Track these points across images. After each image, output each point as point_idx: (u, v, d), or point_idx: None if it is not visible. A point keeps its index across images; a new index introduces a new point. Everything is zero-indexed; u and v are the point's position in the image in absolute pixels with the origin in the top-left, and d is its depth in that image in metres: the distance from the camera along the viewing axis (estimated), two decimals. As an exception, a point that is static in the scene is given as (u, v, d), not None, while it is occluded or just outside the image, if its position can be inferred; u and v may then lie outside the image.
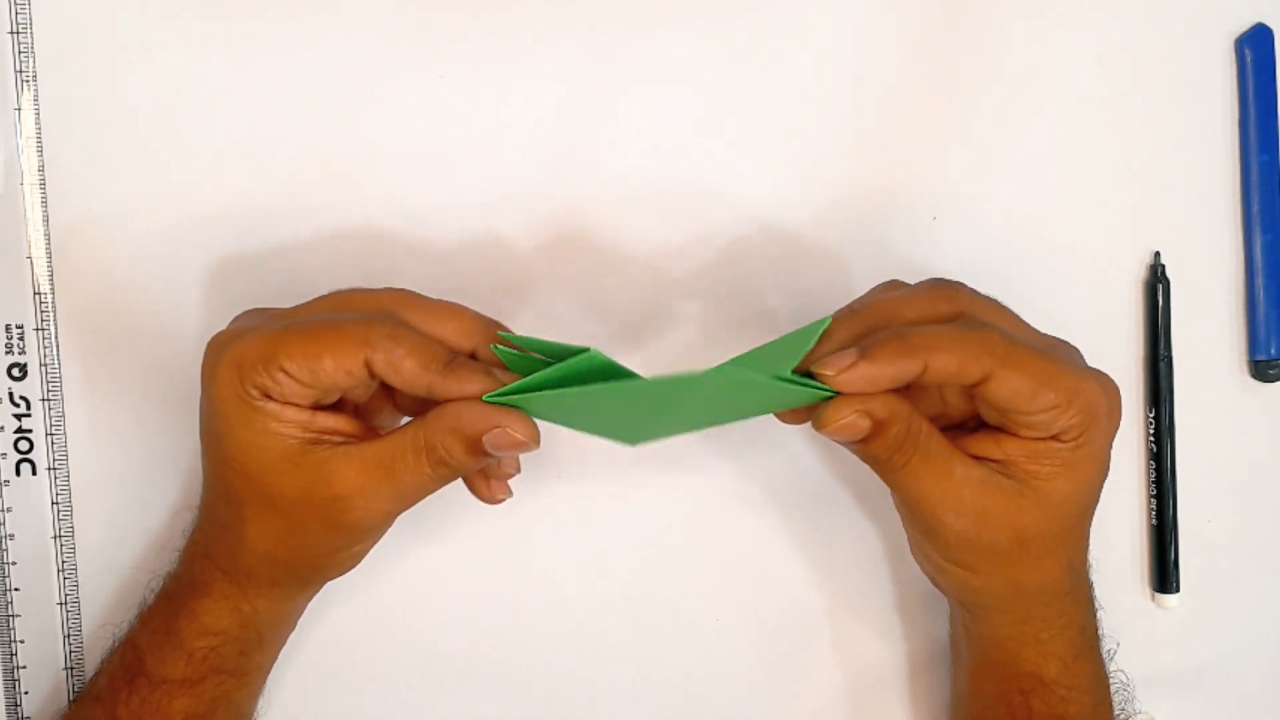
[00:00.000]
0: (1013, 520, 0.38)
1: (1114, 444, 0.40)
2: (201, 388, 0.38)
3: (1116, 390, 0.39)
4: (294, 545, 0.39)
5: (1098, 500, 0.40)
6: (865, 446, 0.37)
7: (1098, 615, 0.43)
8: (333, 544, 0.39)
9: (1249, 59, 0.48)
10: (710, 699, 0.48)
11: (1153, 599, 0.49)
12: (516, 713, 0.47)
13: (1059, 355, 0.38)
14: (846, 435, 0.37)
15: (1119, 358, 0.49)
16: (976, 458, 0.38)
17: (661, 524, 0.47)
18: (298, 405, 0.37)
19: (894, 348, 0.36)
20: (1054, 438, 0.38)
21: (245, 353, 0.36)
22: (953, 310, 0.39)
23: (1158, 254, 0.48)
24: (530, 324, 0.46)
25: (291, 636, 0.44)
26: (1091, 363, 0.48)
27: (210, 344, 0.38)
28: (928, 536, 0.40)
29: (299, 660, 0.46)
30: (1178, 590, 0.49)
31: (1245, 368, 0.49)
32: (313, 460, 0.37)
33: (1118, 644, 0.45)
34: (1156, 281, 0.48)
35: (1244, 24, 0.48)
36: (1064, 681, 0.41)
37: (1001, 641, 0.42)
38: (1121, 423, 0.48)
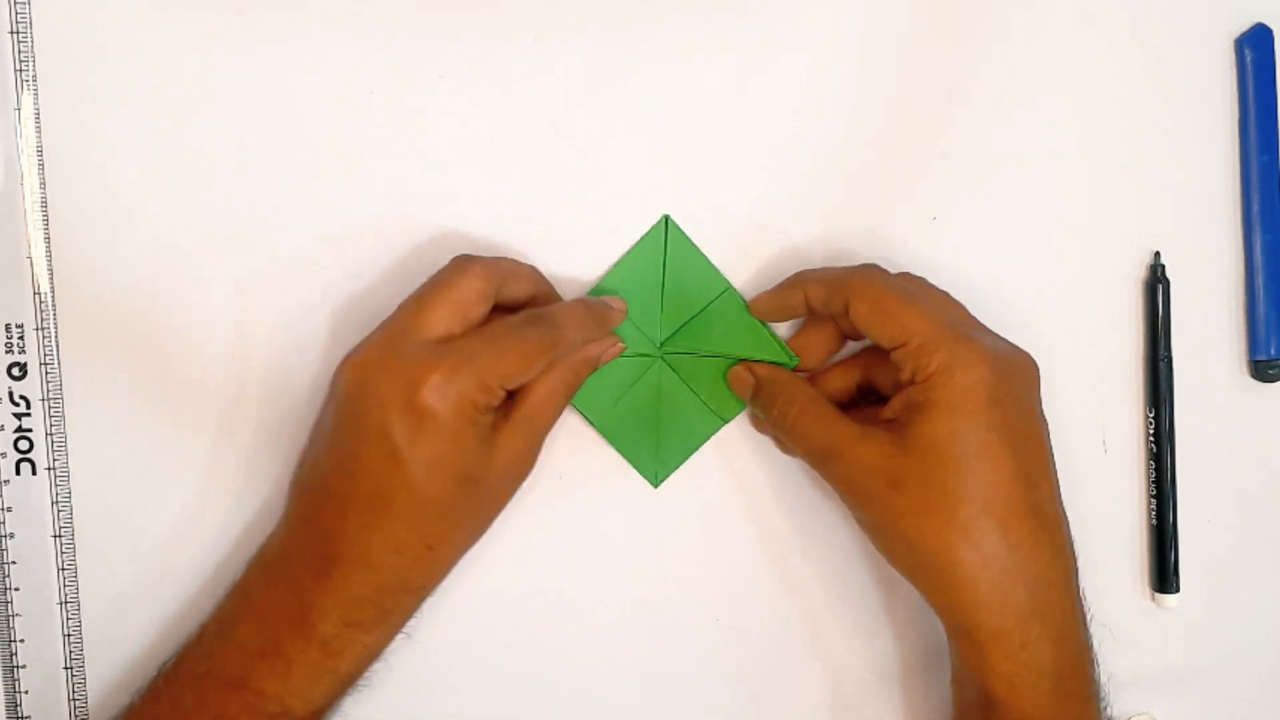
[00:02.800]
0: (885, 466, 0.41)
1: (1028, 423, 0.41)
2: (413, 424, 0.38)
3: (1015, 362, 0.42)
4: (461, 544, 0.42)
5: (997, 471, 0.40)
6: (752, 404, 0.45)
7: (1085, 644, 0.42)
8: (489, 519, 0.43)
9: (1249, 59, 0.48)
10: (711, 699, 0.48)
11: (1153, 599, 0.49)
12: (517, 713, 0.47)
13: (921, 303, 0.41)
14: (739, 387, 0.46)
15: (1119, 358, 0.49)
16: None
17: (662, 525, 0.47)
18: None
19: (786, 281, 0.45)
20: (911, 380, 0.41)
21: (478, 382, 0.39)
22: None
23: (1158, 254, 0.48)
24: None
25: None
26: (1092, 363, 0.48)
27: (415, 382, 0.38)
28: (845, 501, 0.43)
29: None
30: (1178, 590, 0.49)
31: (1245, 368, 0.49)
32: (497, 444, 0.40)
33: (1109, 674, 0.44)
34: (1156, 281, 0.48)
35: (1244, 24, 0.48)
36: None
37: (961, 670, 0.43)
38: (1122, 423, 0.49)
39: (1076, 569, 0.42)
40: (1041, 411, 0.42)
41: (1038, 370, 0.43)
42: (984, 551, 0.40)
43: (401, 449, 0.38)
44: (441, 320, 0.40)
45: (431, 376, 0.38)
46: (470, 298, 0.40)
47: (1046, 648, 0.40)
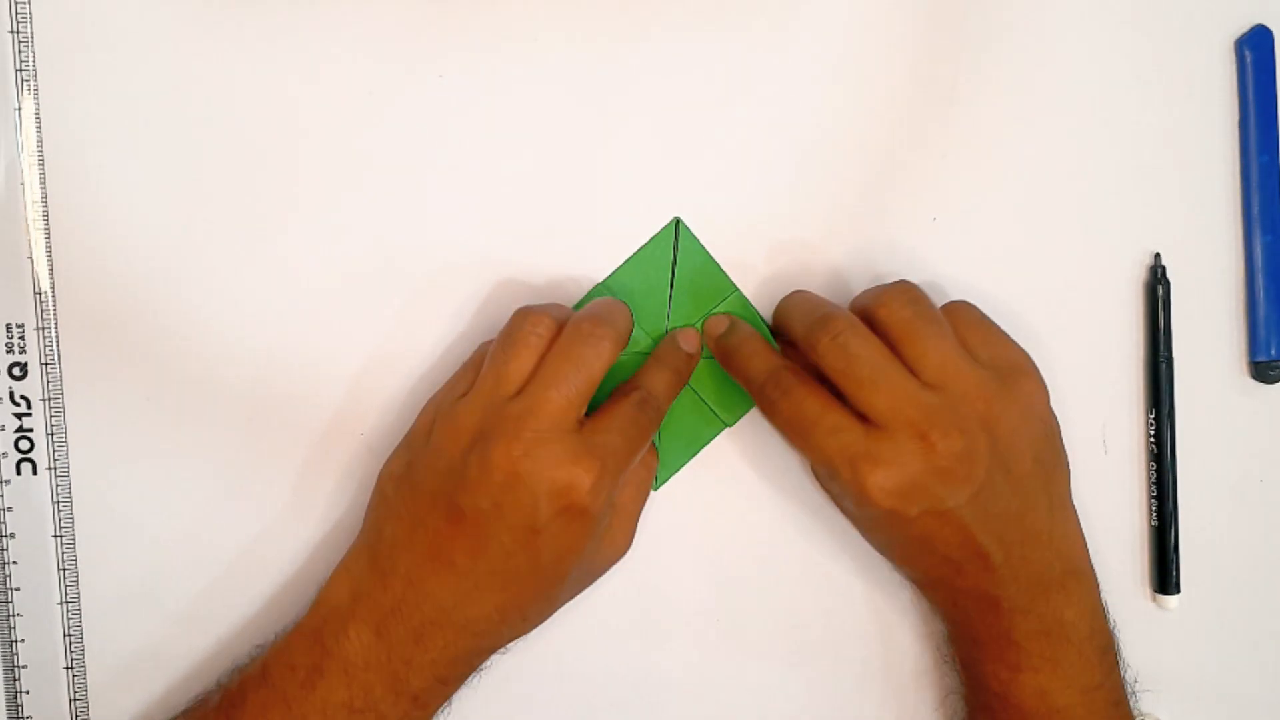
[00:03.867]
0: (850, 453, 0.41)
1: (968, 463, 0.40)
2: (565, 519, 0.39)
3: (882, 490, 0.40)
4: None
5: (928, 551, 0.42)
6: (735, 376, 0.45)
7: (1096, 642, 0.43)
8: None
9: (1249, 60, 0.48)
10: (710, 699, 0.48)
11: (1153, 600, 0.49)
12: (514, 711, 0.47)
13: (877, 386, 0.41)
14: (713, 327, 0.46)
15: (1119, 359, 0.49)
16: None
17: (663, 525, 0.47)
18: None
19: (723, 347, 0.45)
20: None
21: (616, 479, 0.41)
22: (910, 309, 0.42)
23: (1158, 255, 0.48)
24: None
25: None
26: (1092, 364, 0.48)
27: (562, 481, 0.39)
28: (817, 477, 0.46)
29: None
30: (1178, 591, 0.49)
31: (1245, 369, 0.49)
32: (608, 530, 0.43)
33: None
34: (1157, 283, 0.48)
35: (1244, 25, 0.48)
36: None
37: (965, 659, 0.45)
38: (1122, 424, 0.49)
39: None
40: (1038, 430, 0.42)
41: (1033, 382, 0.43)
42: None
43: (543, 539, 0.39)
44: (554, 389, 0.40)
45: (588, 479, 0.39)
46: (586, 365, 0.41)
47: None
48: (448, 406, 0.41)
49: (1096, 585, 0.44)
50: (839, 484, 0.41)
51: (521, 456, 0.39)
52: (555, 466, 0.39)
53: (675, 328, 0.46)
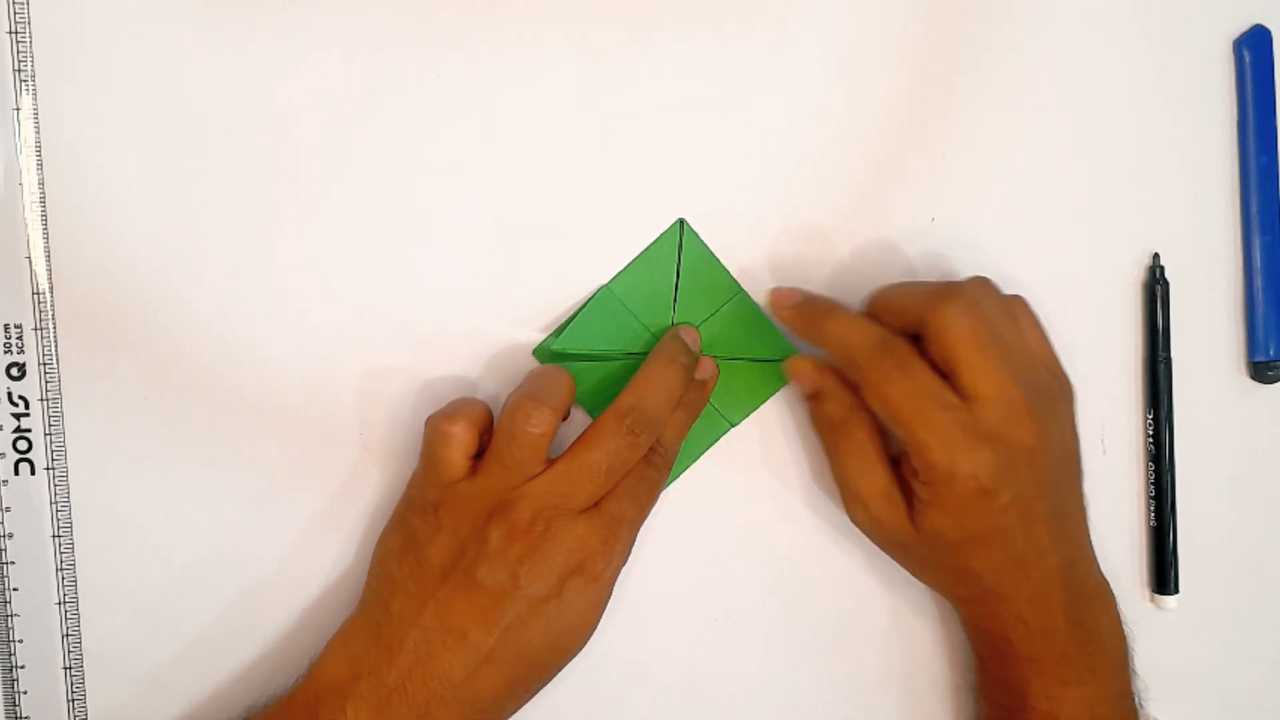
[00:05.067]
0: (895, 532, 0.43)
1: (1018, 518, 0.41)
2: (586, 588, 0.41)
3: (981, 473, 0.40)
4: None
5: (999, 552, 0.41)
6: (813, 408, 0.45)
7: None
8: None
9: (1247, 60, 0.48)
10: (710, 699, 0.48)
11: (1152, 600, 0.49)
12: (528, 711, 0.47)
13: (925, 410, 0.40)
14: (802, 380, 0.46)
15: (1118, 359, 0.49)
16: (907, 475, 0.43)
17: (663, 525, 0.47)
18: None
19: (809, 313, 0.45)
20: (915, 472, 0.42)
21: (624, 547, 0.42)
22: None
23: (1157, 255, 0.48)
24: (529, 319, 0.46)
25: (304, 642, 0.45)
26: (1091, 364, 0.48)
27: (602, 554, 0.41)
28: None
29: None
30: (1177, 592, 0.49)
31: (1244, 369, 0.49)
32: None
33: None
34: (1155, 283, 0.48)
35: (1242, 25, 0.48)
36: None
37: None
38: (1121, 425, 0.49)
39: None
40: (1067, 446, 0.43)
41: (1071, 394, 0.44)
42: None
43: (558, 608, 0.40)
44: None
45: (603, 548, 0.41)
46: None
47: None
48: (459, 490, 0.41)
49: (1114, 597, 0.44)
50: (934, 457, 0.40)
51: (542, 529, 0.40)
52: (572, 537, 0.40)
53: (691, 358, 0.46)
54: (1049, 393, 0.42)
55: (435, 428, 0.41)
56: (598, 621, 0.42)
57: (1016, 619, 0.42)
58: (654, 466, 0.43)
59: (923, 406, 0.40)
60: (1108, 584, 0.44)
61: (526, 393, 0.41)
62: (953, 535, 0.41)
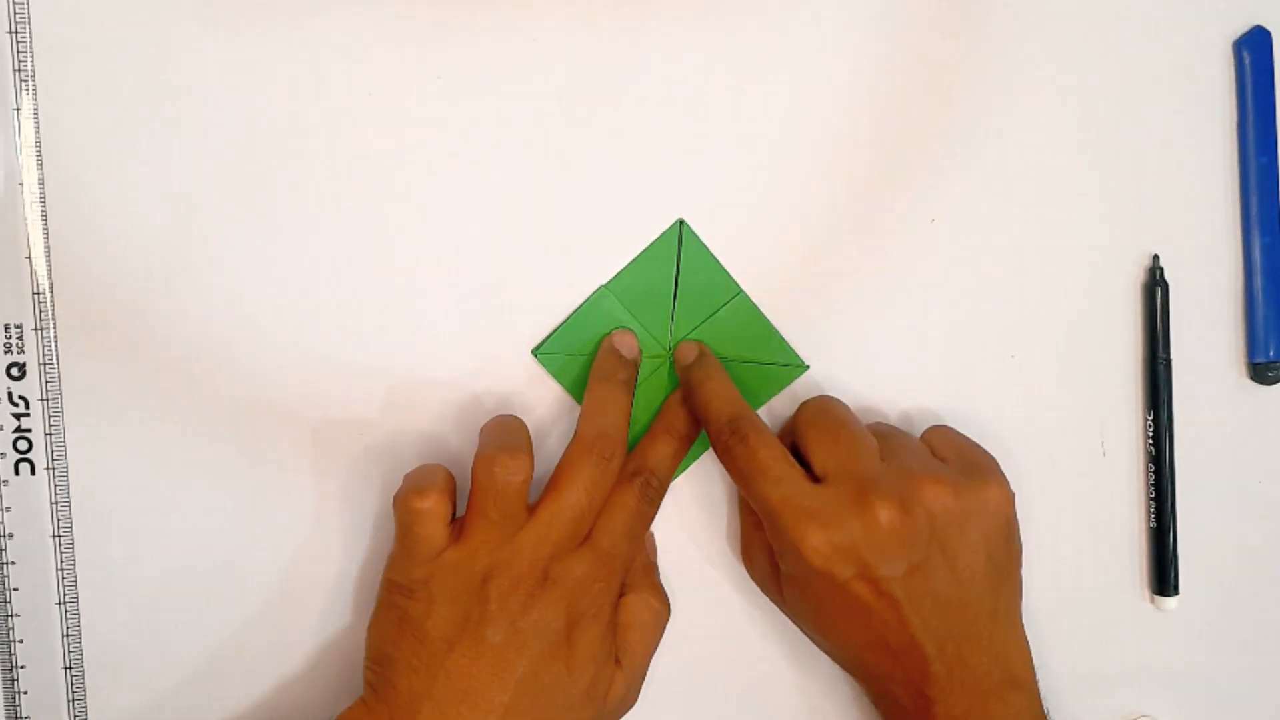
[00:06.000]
0: (771, 596, 0.46)
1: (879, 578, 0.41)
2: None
3: (809, 549, 0.41)
4: None
5: (858, 631, 0.42)
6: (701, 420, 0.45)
7: None
8: None
9: (1247, 61, 0.48)
10: (710, 699, 0.48)
11: (1152, 601, 0.49)
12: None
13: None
14: (682, 355, 0.46)
15: (1118, 360, 0.49)
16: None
17: (663, 525, 0.47)
18: None
19: (688, 379, 0.46)
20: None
21: (617, 580, 0.43)
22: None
23: (1156, 256, 0.48)
24: (529, 318, 0.46)
25: (305, 642, 0.45)
26: (1090, 365, 0.48)
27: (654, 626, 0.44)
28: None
29: (322, 662, 0.46)
30: (1177, 593, 0.49)
31: (1244, 370, 0.49)
32: None
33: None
34: (1155, 284, 0.48)
35: (1242, 26, 0.48)
36: None
37: None
38: (1121, 426, 0.49)
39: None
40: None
41: (998, 484, 0.43)
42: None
43: (570, 639, 0.41)
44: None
45: (597, 585, 0.41)
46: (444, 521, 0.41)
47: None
48: (446, 559, 0.41)
49: (1039, 699, 0.43)
50: (778, 535, 0.42)
51: (540, 578, 0.40)
52: (571, 580, 0.41)
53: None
54: (929, 481, 0.42)
55: (408, 508, 0.41)
56: (612, 657, 0.42)
57: (894, 704, 0.43)
58: (649, 501, 0.44)
59: (759, 483, 0.42)
60: (1032, 692, 0.42)
61: (498, 446, 0.41)
62: (803, 606, 0.44)
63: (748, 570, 0.47)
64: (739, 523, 0.48)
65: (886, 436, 0.44)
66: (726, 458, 0.43)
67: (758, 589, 0.47)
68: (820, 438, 0.43)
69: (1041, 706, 0.43)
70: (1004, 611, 0.43)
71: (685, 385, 0.46)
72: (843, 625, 0.42)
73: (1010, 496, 0.43)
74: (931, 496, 0.41)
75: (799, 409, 0.45)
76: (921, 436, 0.45)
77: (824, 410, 0.44)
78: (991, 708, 0.41)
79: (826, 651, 0.46)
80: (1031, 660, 0.43)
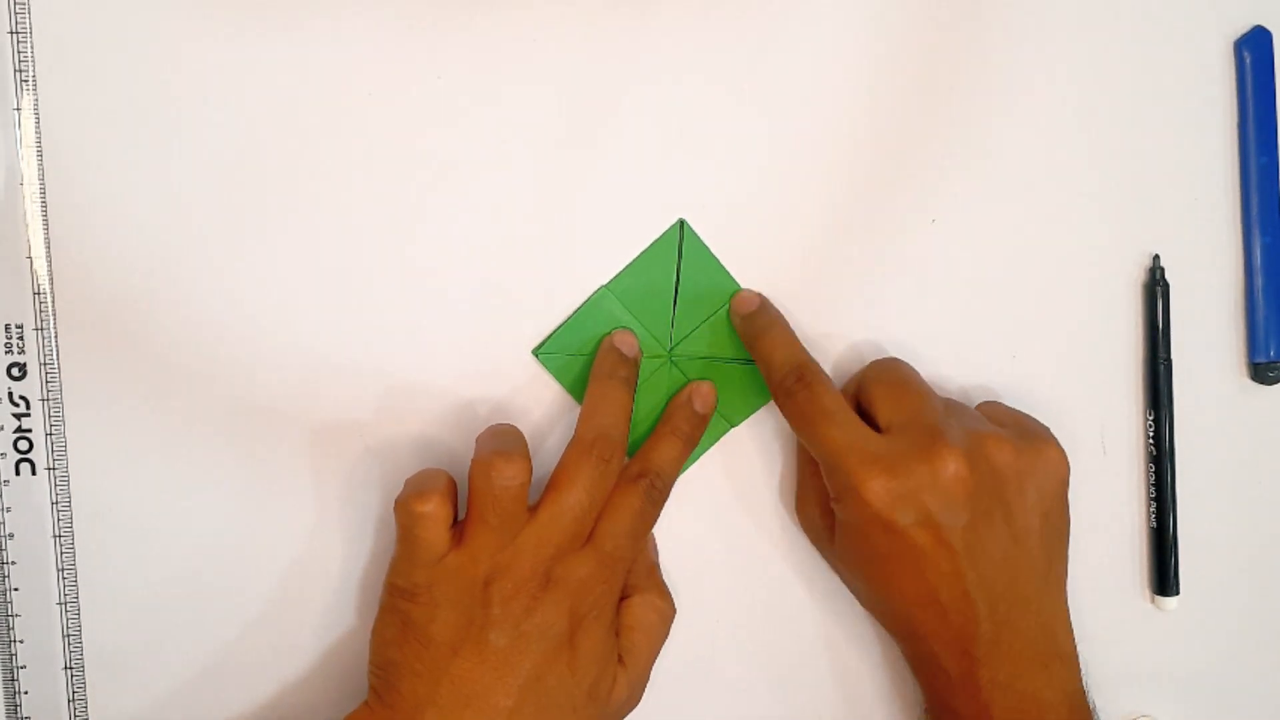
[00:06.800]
0: (819, 545, 0.46)
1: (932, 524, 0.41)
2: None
3: (874, 496, 0.41)
4: None
5: (909, 583, 0.42)
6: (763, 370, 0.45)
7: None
8: None
9: (1247, 61, 0.48)
10: (711, 699, 0.48)
11: (1152, 602, 0.49)
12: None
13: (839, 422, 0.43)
14: (741, 304, 0.46)
15: (1118, 360, 0.49)
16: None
17: (664, 525, 0.47)
18: None
19: (749, 327, 0.46)
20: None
21: (620, 579, 0.43)
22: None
23: (1157, 257, 0.48)
24: (529, 318, 0.46)
25: (305, 642, 0.45)
26: (1091, 366, 0.48)
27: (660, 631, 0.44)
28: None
29: (325, 665, 0.46)
30: (1177, 593, 0.49)
31: (1245, 370, 0.49)
32: None
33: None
34: (1156, 284, 0.48)
35: (1242, 26, 0.48)
36: None
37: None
38: (1121, 426, 0.49)
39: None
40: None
41: (1052, 461, 0.43)
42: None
43: (573, 640, 0.41)
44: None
45: (599, 585, 0.41)
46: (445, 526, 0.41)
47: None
48: (448, 564, 0.40)
49: (1079, 674, 0.43)
50: (839, 479, 0.42)
51: (542, 580, 0.40)
52: (574, 581, 0.40)
53: (690, 381, 0.46)
54: (992, 438, 0.42)
55: (409, 512, 0.41)
56: (615, 658, 0.42)
57: (936, 667, 0.42)
58: (652, 502, 0.44)
59: (823, 427, 0.42)
60: (1074, 663, 0.43)
61: (494, 450, 0.41)
62: (856, 556, 0.43)
63: (800, 520, 0.47)
64: (795, 472, 0.47)
65: (948, 401, 0.45)
66: (789, 403, 0.43)
67: (758, 588, 0.47)
68: (888, 391, 0.43)
69: (1082, 682, 0.43)
70: (1054, 580, 0.43)
71: (746, 334, 0.46)
72: (895, 576, 0.42)
73: (1066, 460, 0.43)
74: (995, 451, 0.42)
75: (866, 367, 0.45)
76: (976, 408, 0.46)
77: (892, 368, 0.45)
78: (1035, 676, 0.41)
79: (871, 608, 0.46)
80: (1073, 635, 0.43)
